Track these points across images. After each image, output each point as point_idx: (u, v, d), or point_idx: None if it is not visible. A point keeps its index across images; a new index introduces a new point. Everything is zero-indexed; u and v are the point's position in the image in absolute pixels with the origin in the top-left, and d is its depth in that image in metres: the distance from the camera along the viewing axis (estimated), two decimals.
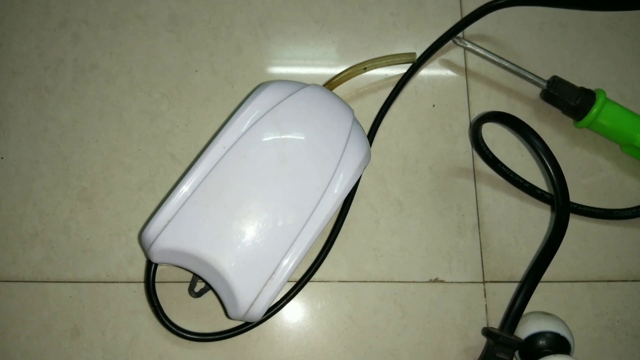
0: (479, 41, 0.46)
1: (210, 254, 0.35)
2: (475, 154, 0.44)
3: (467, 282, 0.41)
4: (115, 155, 0.43)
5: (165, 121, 0.44)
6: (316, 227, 0.36)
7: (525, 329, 0.38)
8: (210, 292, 0.40)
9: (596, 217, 0.43)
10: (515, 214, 0.43)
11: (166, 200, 0.35)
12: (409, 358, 0.40)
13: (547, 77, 0.44)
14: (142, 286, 0.41)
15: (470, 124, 0.45)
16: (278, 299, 0.40)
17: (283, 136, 0.37)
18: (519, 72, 0.44)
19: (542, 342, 0.37)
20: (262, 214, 0.36)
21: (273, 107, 0.37)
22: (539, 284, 0.38)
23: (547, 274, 0.38)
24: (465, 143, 0.44)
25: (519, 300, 0.37)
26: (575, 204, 0.43)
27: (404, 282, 0.41)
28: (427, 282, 0.41)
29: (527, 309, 0.38)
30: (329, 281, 0.41)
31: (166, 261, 0.37)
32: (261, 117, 0.37)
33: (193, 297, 0.39)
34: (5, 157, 0.43)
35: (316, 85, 0.39)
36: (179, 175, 0.43)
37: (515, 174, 0.43)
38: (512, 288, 0.41)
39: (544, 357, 0.36)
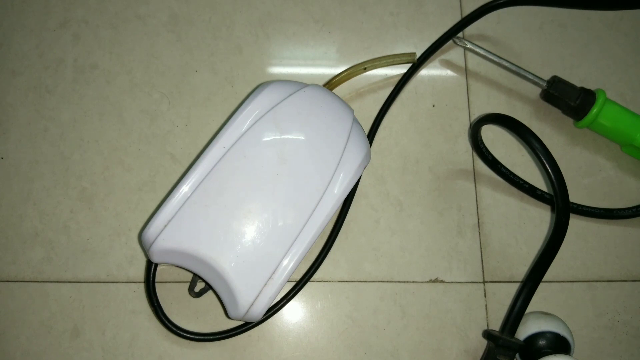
0: (479, 41, 0.46)
1: (210, 254, 0.35)
2: (475, 154, 0.44)
3: (467, 282, 0.41)
4: (115, 155, 0.43)
5: (165, 121, 0.44)
6: (316, 227, 0.36)
7: (525, 329, 0.38)
8: (210, 292, 0.40)
9: (596, 217, 0.43)
10: (515, 214, 0.43)
11: (166, 200, 0.35)
12: (409, 358, 0.40)
13: (547, 77, 0.44)
14: (142, 286, 0.41)
15: (470, 125, 0.45)
16: (278, 299, 0.40)
17: (283, 136, 0.37)
18: (519, 72, 0.44)
19: (542, 342, 0.37)
20: (262, 214, 0.36)
21: (273, 107, 0.37)
22: (539, 284, 0.38)
23: (547, 274, 0.38)
24: (465, 143, 0.44)
25: (518, 303, 0.37)
26: (576, 204, 0.43)
27: (404, 282, 0.41)
28: (427, 282, 0.41)
29: (527, 309, 0.38)
30: (329, 281, 0.41)
31: (166, 261, 0.37)
32: (261, 117, 0.37)
33: (193, 297, 0.39)
34: (5, 157, 0.43)
35: (316, 85, 0.39)
36: (179, 175, 0.43)
37: (515, 175, 0.43)
38: (512, 288, 0.41)
39: (544, 357, 0.36)
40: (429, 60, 0.46)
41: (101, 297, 0.40)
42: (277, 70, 0.46)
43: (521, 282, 0.42)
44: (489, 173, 0.44)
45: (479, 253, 0.42)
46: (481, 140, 0.42)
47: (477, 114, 0.45)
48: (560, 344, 0.37)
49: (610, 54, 0.47)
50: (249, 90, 0.45)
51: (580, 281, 0.42)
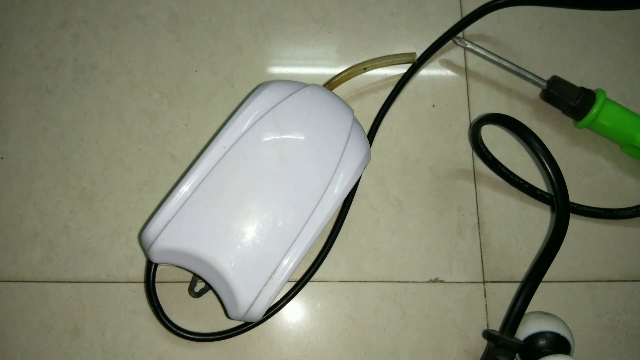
0: (479, 41, 0.46)
1: (210, 254, 0.35)
2: (475, 154, 0.44)
3: (467, 282, 0.41)
4: (115, 155, 0.43)
5: (165, 121, 0.44)
6: (316, 227, 0.36)
7: (525, 329, 0.38)
8: (210, 292, 0.40)
9: (596, 217, 0.43)
10: (515, 214, 0.43)
11: (166, 200, 0.35)
12: (409, 358, 0.40)
13: (547, 77, 0.44)
14: (142, 286, 0.41)
15: (470, 125, 0.45)
16: (278, 299, 0.40)
17: (283, 136, 0.37)
18: (519, 72, 0.44)
19: (542, 342, 0.37)
20: (262, 214, 0.36)
21: (273, 107, 0.37)
22: (539, 284, 0.38)
23: (547, 274, 0.38)
24: (465, 143, 0.44)
25: (518, 303, 0.37)
26: (576, 204, 0.43)
27: (404, 282, 0.41)
28: (427, 282, 0.41)
29: (527, 309, 0.38)
30: (329, 281, 0.41)
31: (166, 261, 0.37)
32: (261, 117, 0.37)
33: (193, 297, 0.39)
34: (5, 157, 0.43)
35: (316, 85, 0.39)
36: (179, 175, 0.43)
37: (515, 175, 0.43)
38: (512, 288, 0.41)
39: (544, 357, 0.36)
40: (429, 60, 0.46)
41: (101, 297, 0.40)
42: (277, 70, 0.46)
43: (521, 282, 0.42)
44: (489, 173, 0.44)
45: (479, 253, 0.42)
46: (481, 140, 0.42)
47: (477, 114, 0.45)
48: (560, 344, 0.37)
49: (610, 54, 0.47)
50: (249, 90, 0.45)
51: (580, 281, 0.42)
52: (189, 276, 0.40)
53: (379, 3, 0.48)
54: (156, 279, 0.39)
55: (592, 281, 0.42)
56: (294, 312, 0.40)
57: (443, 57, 0.47)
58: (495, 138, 0.45)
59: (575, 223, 0.43)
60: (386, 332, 0.40)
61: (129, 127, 0.44)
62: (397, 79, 0.45)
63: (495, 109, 0.45)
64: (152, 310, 0.39)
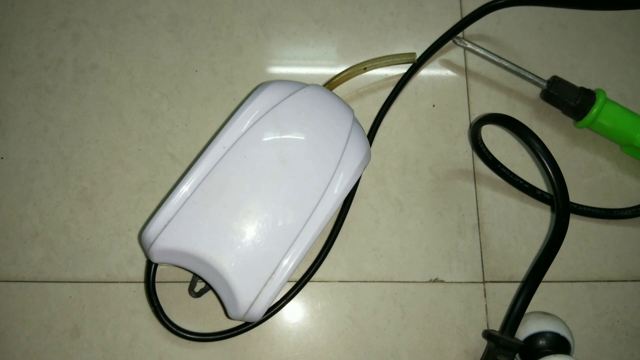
0: (479, 41, 0.46)
1: (210, 254, 0.35)
2: (475, 154, 0.44)
3: (467, 282, 0.41)
4: (115, 155, 0.43)
5: (165, 121, 0.44)
6: (316, 227, 0.36)
7: (525, 329, 0.38)
8: (210, 292, 0.40)
9: (596, 217, 0.43)
10: (515, 214, 0.43)
11: (166, 200, 0.35)
12: (409, 358, 0.40)
13: (547, 77, 0.44)
14: (142, 286, 0.41)
15: (470, 125, 0.45)
16: (278, 299, 0.40)
17: (283, 136, 0.37)
18: (519, 72, 0.44)
19: (542, 342, 0.37)
20: (262, 213, 0.36)
21: (273, 107, 0.37)
22: (539, 284, 0.38)
23: (547, 274, 0.38)
24: (465, 143, 0.44)
25: (518, 303, 0.37)
26: (575, 204, 0.43)
27: (404, 282, 0.41)
28: (427, 282, 0.41)
29: (527, 309, 0.38)
30: (329, 281, 0.41)
31: (166, 261, 0.37)
32: (261, 117, 0.37)
33: (193, 297, 0.39)
34: (5, 157, 0.43)
35: (316, 85, 0.39)
36: (179, 175, 0.43)
37: (515, 175, 0.43)
38: (512, 288, 0.41)
39: (544, 357, 0.36)
40: (429, 60, 0.46)
41: (101, 297, 0.40)
42: (277, 70, 0.46)
43: (521, 282, 0.42)
44: (489, 173, 0.44)
45: (479, 253, 0.42)
46: (481, 140, 0.42)
47: (477, 114, 0.45)
48: (560, 344, 0.37)
49: (610, 54, 0.47)
50: (249, 90, 0.45)
51: (580, 281, 0.42)
52: (189, 276, 0.40)
53: (379, 3, 0.48)
54: (156, 279, 0.39)
55: (592, 281, 0.42)
56: (294, 312, 0.40)
57: (443, 57, 0.47)
58: (495, 138, 0.45)
59: (575, 223, 0.43)
60: (386, 332, 0.40)
61: (129, 127, 0.44)
62: (397, 79, 0.45)
63: (495, 109, 0.45)
64: (152, 310, 0.39)
